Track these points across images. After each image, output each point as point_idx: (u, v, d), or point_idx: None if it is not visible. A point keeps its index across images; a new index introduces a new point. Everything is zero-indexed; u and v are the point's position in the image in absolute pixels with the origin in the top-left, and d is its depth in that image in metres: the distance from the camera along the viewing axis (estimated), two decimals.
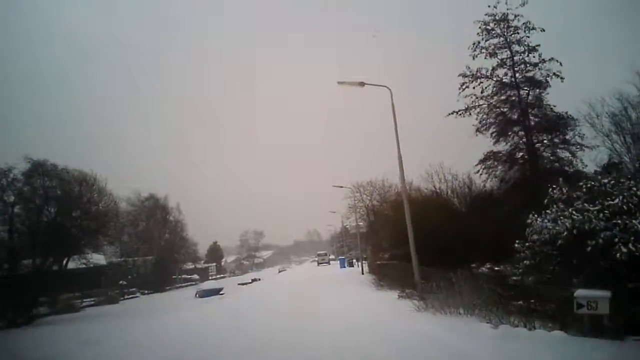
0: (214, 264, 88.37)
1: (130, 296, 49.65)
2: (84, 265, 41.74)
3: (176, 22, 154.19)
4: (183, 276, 71.57)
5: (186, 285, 66.86)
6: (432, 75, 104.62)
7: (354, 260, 46.31)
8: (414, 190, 24.48)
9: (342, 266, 45.36)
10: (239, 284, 41.35)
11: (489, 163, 21.19)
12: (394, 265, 19.75)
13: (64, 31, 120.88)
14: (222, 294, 35.45)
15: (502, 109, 21.09)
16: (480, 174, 21.55)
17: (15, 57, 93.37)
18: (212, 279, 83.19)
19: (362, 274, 31.41)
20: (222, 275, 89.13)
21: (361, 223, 34.87)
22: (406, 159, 15.32)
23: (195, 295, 37.58)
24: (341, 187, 40.00)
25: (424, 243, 17.19)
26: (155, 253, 60.58)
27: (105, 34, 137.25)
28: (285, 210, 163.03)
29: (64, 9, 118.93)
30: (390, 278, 19.04)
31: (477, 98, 21.13)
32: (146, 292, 54.64)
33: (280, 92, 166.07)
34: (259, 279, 42.79)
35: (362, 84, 15.66)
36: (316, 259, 77.21)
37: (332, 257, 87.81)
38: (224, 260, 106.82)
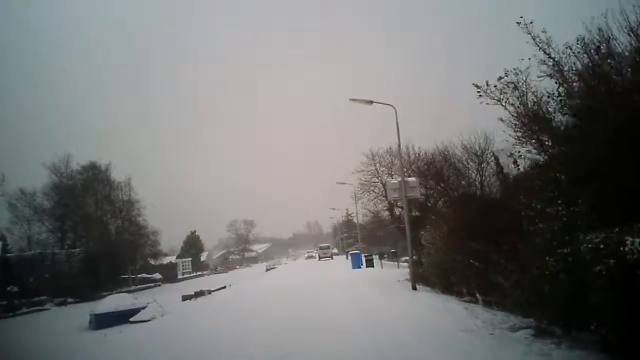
0: (189, 258, 71.09)
1: (32, 309, 32.53)
2: None
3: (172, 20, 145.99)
4: (141, 275, 54.65)
5: (142, 288, 50.09)
6: None
7: (375, 257, 29.18)
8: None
9: (357, 265, 28.22)
10: (183, 297, 24.00)
11: None
12: None
13: (64, 29, 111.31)
14: (140, 321, 18.47)
15: None
16: None
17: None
18: (184, 277, 66.64)
19: (414, 288, 14.23)
20: (199, 273, 71.88)
21: (417, 187, 17.60)
22: None
23: (89, 322, 20.51)
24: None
25: None
26: (92, 242, 43.69)
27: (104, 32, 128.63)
28: (285, 202, 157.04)
29: (63, 7, 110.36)
30: None
31: None
32: (70, 300, 37.62)
33: (278, 91, 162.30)
34: (215, 289, 24.75)
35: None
36: (313, 254, 59.84)
37: (335, 250, 71.85)
38: (205, 253, 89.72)
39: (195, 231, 78.17)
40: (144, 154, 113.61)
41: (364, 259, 29.23)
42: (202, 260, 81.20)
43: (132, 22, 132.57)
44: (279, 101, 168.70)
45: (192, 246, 76.78)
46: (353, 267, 27.96)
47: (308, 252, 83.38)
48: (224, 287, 29.07)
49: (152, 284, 52.56)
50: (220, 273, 77.01)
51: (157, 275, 55.13)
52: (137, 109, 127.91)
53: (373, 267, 27.37)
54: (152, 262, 60.33)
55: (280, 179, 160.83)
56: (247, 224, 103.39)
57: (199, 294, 20.68)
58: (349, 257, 30.13)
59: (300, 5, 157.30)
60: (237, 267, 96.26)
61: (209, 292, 20.87)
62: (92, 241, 44.59)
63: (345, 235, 73.91)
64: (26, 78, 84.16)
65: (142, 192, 48.89)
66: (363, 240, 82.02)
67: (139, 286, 51.41)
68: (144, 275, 54.80)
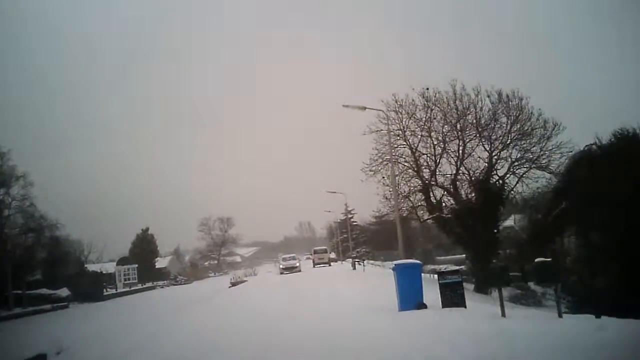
0: (134, 265, 51.93)
1: None
2: None
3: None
4: (38, 291, 35.80)
5: (30, 313, 31.68)
6: None
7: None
8: None
9: (411, 300, 8.96)
10: None
11: None
12: None
13: (63, 28, 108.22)
14: None
15: None
16: None
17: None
18: (119, 293, 47.06)
19: None
20: (149, 285, 52.75)
21: None
22: None
23: None
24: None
25: None
26: None
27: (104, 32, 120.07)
28: (277, 203, 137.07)
29: (63, 7, 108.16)
30: None
31: None
32: None
33: (274, 91, 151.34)
34: None
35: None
36: (295, 263, 39.28)
37: (332, 255, 55.61)
38: (168, 258, 70.66)
39: (147, 229, 58.84)
40: (132, 154, 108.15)
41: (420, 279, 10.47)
42: (158, 267, 61.91)
43: (120, 22, 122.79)
44: (270, 101, 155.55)
45: (143, 248, 57.57)
46: (401, 305, 9.29)
47: (285, 261, 43.31)
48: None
49: (50, 307, 33.79)
50: (180, 284, 58.21)
51: (63, 292, 36.31)
52: (133, 111, 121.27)
53: (464, 307, 8.86)
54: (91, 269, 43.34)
55: (273, 179, 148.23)
56: (224, 222, 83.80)
57: None
58: (394, 274, 10.22)
59: (300, 5, 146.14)
60: (211, 274, 77.42)
61: None
62: None
63: (345, 236, 57.38)
64: None
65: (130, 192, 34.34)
66: (365, 244, 64.87)
67: (27, 309, 32.81)
68: (44, 291, 36.13)
